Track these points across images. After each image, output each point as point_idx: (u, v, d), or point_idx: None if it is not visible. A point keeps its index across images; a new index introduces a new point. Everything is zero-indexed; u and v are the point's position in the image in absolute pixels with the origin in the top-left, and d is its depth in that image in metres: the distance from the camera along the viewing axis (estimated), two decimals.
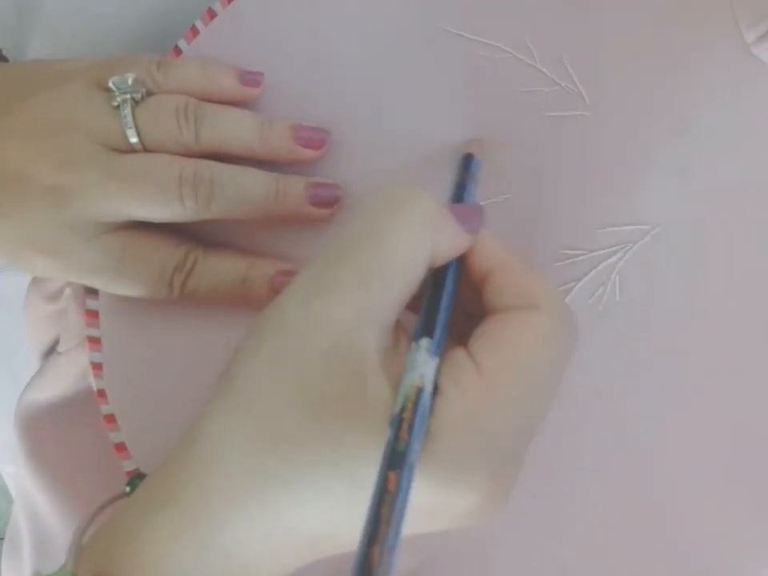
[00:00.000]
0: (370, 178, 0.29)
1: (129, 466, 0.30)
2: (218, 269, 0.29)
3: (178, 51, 0.30)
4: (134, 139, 0.27)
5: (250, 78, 0.29)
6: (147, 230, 0.28)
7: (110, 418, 0.30)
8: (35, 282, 0.38)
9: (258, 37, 0.29)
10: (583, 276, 0.28)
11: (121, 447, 0.30)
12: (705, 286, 0.27)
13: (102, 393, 0.30)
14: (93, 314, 0.31)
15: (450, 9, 0.28)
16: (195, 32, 0.30)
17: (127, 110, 0.27)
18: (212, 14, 0.30)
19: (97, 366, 0.31)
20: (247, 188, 0.28)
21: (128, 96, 0.27)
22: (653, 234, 0.27)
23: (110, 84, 0.27)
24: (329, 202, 0.29)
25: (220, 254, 0.29)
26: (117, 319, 0.30)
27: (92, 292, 0.31)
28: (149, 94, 0.28)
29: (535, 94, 0.28)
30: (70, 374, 0.36)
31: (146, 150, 0.27)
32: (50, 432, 0.37)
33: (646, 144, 0.27)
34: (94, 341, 0.31)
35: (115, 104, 0.27)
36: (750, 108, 0.27)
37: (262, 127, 0.28)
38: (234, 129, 0.28)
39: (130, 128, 0.27)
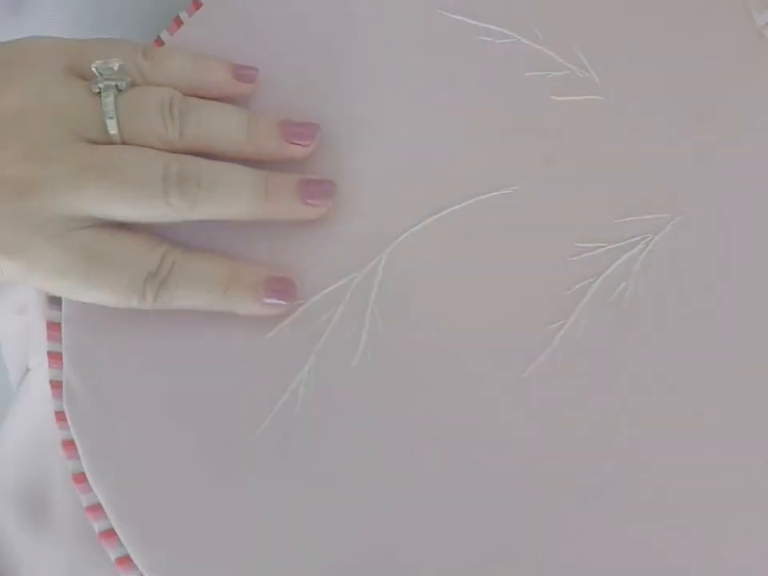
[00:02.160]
0: (367, 172, 0.27)
1: (87, 500, 0.25)
2: (198, 275, 0.26)
3: (159, 42, 0.28)
4: (113, 130, 0.25)
5: (243, 73, 0.27)
6: (120, 229, 0.25)
7: (69, 444, 0.26)
8: (2, 290, 0.34)
9: (246, 27, 0.28)
10: (603, 271, 0.25)
11: (79, 478, 0.26)
12: (731, 275, 0.25)
13: (60, 415, 0.26)
14: (54, 327, 0.27)
15: None
16: (179, 23, 0.28)
17: (110, 98, 0.24)
18: (198, 5, 0.28)
19: (56, 385, 0.27)
20: (235, 185, 0.26)
21: (112, 83, 0.25)
22: (674, 224, 0.25)
23: (93, 68, 0.25)
24: (322, 198, 0.26)
25: (201, 257, 0.26)
26: (81, 332, 0.27)
27: (55, 301, 0.27)
28: (132, 84, 0.26)
29: (542, 78, 0.26)
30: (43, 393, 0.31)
31: (124, 143, 0.25)
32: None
33: (662, 129, 0.26)
34: (55, 356, 0.27)
35: (96, 90, 0.25)
36: (765, 90, 0.25)
37: (249, 123, 0.26)
38: (220, 125, 0.26)
39: (110, 118, 0.24)
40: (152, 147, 0.25)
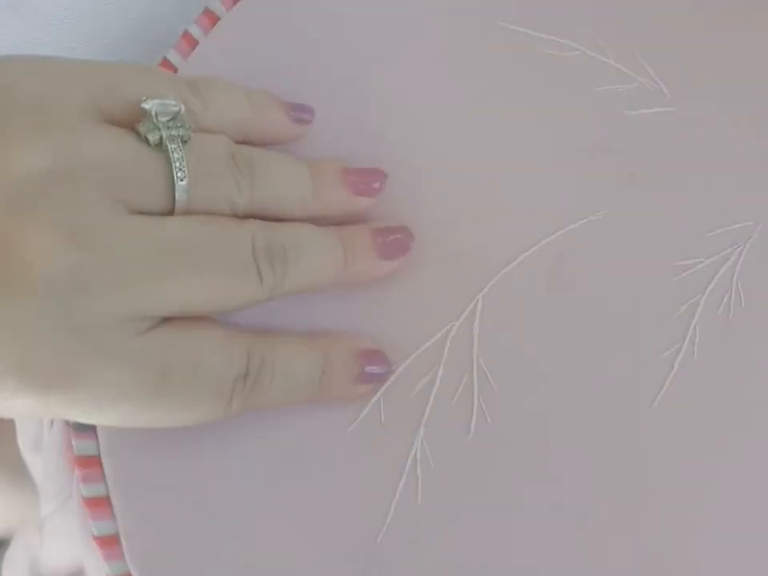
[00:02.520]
0: (444, 213, 0.24)
1: None
2: (293, 367, 0.21)
3: (167, 65, 0.23)
4: (182, 197, 0.19)
5: (300, 115, 0.23)
6: (192, 325, 0.20)
7: None
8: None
9: (272, 45, 0.23)
10: (706, 286, 0.25)
11: None
12: None
13: None
14: (87, 462, 0.21)
15: (510, 5, 0.24)
16: (191, 41, 0.23)
17: (179, 154, 0.19)
18: (210, 17, 0.23)
19: (108, 541, 0.20)
20: (319, 254, 0.21)
21: (178, 132, 0.19)
22: (760, 229, 0.25)
23: (149, 109, 0.18)
24: (402, 249, 0.23)
25: (289, 344, 0.21)
26: (131, 462, 0.21)
27: (82, 428, 0.21)
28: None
29: (614, 92, 0.25)
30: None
31: (188, 213, 0.19)
32: None
33: (736, 135, 0.25)
34: (95, 503, 0.21)
35: (155, 141, 0.19)
36: None
37: (312, 176, 0.22)
38: (286, 182, 0.22)
39: (181, 179, 0.19)
40: (222, 215, 0.20)
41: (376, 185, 0.23)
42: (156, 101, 0.19)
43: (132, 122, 0.19)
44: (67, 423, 0.21)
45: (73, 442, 0.21)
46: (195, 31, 0.23)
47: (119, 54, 0.27)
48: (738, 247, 0.25)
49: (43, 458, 0.23)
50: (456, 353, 0.23)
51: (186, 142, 0.19)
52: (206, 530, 0.21)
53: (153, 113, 0.19)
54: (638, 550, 0.23)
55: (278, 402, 0.21)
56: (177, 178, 0.19)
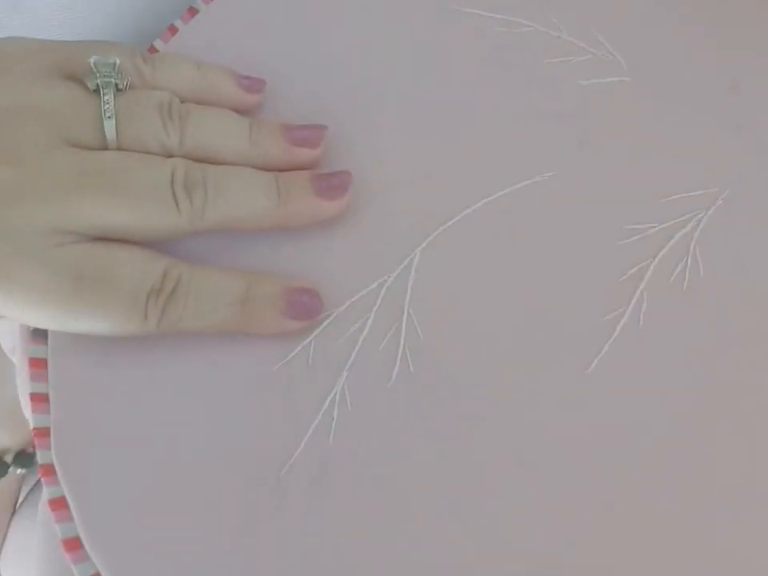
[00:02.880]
0: (392, 170, 0.25)
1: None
2: (209, 289, 0.22)
3: (153, 51, 0.26)
4: (110, 133, 0.22)
5: (251, 84, 0.25)
6: (115, 244, 0.22)
7: (58, 503, 0.21)
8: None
9: (244, 33, 0.26)
10: (658, 252, 0.23)
11: (72, 545, 0.21)
12: None
13: (47, 469, 0.22)
14: (38, 364, 0.23)
15: None
16: (174, 31, 0.26)
17: (109, 96, 0.22)
18: (193, 12, 0.26)
19: (41, 433, 0.22)
20: (246, 187, 0.23)
21: (111, 80, 0.22)
22: (725, 197, 0.24)
23: (91, 63, 0.22)
24: (339, 190, 0.24)
25: (209, 269, 0.23)
26: (72, 367, 0.23)
27: (39, 335, 0.23)
28: (131, 87, 0.23)
29: (566, 64, 0.25)
30: None
31: (119, 149, 0.22)
32: None
33: (696, 103, 0.25)
34: (39, 399, 0.23)
35: (92, 87, 0.22)
36: None
37: (251, 129, 0.24)
38: (221, 132, 0.24)
39: (109, 118, 0.22)
40: (150, 153, 0.22)
41: (315, 137, 0.24)
42: (97, 58, 0.22)
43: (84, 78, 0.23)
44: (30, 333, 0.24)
45: (28, 346, 0.23)
46: (178, 24, 0.27)
47: None
48: (698, 214, 0.24)
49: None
50: (389, 303, 0.24)
51: (120, 89, 0.22)
52: (125, 434, 0.22)
53: (92, 64, 0.22)
54: (554, 507, 0.21)
55: (196, 325, 0.22)
56: (104, 115, 0.22)
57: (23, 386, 0.24)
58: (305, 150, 0.24)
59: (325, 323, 0.24)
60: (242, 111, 0.25)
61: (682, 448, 0.21)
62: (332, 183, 0.24)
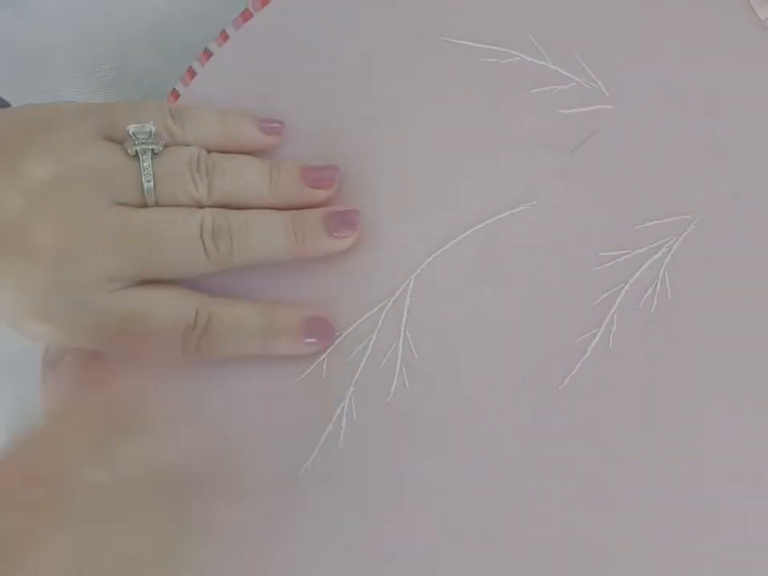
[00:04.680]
0: (386, 200, 0.28)
1: None
2: (236, 324, 0.26)
3: (176, 95, 0.29)
4: (150, 195, 0.26)
5: (270, 127, 0.28)
6: (154, 287, 0.26)
7: None
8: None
9: (256, 75, 0.29)
10: (629, 277, 0.25)
11: None
12: (759, 270, 0.25)
13: None
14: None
15: (450, 19, 0.27)
16: (192, 74, 0.29)
17: (147, 162, 0.25)
18: (208, 55, 0.29)
19: None
20: (265, 230, 0.26)
21: (148, 147, 0.25)
22: (697, 223, 0.25)
23: (130, 131, 0.25)
24: (349, 228, 0.27)
25: (236, 306, 0.27)
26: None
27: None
28: (165, 146, 0.26)
29: (548, 93, 0.26)
30: None
31: (157, 205, 0.26)
32: None
33: (673, 129, 0.26)
34: None
35: (132, 153, 0.25)
36: None
37: (271, 173, 0.27)
38: (243, 178, 0.27)
39: (148, 180, 0.25)
40: (183, 205, 0.26)
41: (329, 179, 0.27)
42: (135, 126, 0.25)
43: (122, 142, 0.26)
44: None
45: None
46: (196, 66, 0.29)
47: (122, 53, 0.33)
48: (670, 240, 0.25)
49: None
50: (389, 325, 0.27)
51: (156, 153, 0.26)
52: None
53: (131, 133, 0.26)
54: (535, 515, 0.25)
55: (227, 351, 0.26)
56: (144, 179, 0.25)
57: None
58: (320, 191, 0.27)
59: (335, 343, 0.27)
60: (263, 151, 0.28)
61: (646, 459, 0.24)
62: (342, 222, 0.27)
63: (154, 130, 0.26)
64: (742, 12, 0.26)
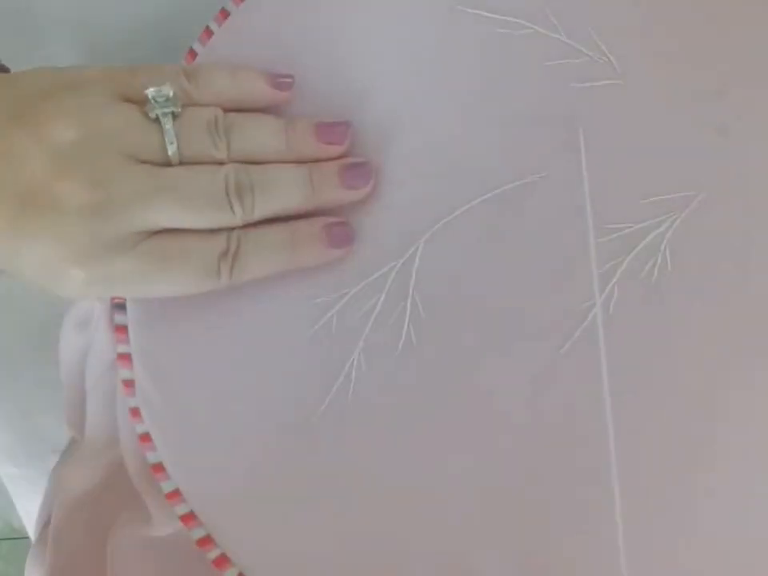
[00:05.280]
0: (401, 165, 0.29)
1: (168, 486, 0.28)
2: (263, 242, 0.28)
3: (193, 54, 0.29)
4: (172, 152, 0.27)
5: (280, 82, 0.29)
6: (181, 230, 0.27)
7: (146, 437, 0.29)
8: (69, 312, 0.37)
9: (273, 34, 0.29)
10: (632, 249, 0.26)
11: (158, 468, 0.28)
12: (757, 250, 0.26)
13: (135, 411, 0.29)
14: (122, 330, 0.30)
15: None
16: (209, 33, 0.29)
17: (169, 125, 0.26)
18: (225, 14, 0.29)
19: (128, 384, 0.29)
20: (285, 184, 0.28)
21: (169, 109, 0.26)
22: (699, 200, 0.26)
23: (149, 96, 0.26)
24: (363, 180, 0.28)
25: (260, 227, 0.28)
26: (148, 332, 0.29)
27: (120, 308, 0.30)
28: (182, 106, 0.27)
29: (562, 66, 0.27)
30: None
31: (180, 164, 0.27)
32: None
33: (682, 107, 0.26)
34: (124, 357, 0.29)
35: (153, 116, 0.26)
36: None
37: (286, 131, 0.28)
38: (260, 137, 0.28)
39: (171, 142, 0.26)
40: (206, 164, 0.27)
41: (341, 135, 0.28)
42: (153, 89, 0.26)
43: (142, 104, 0.27)
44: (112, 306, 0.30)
45: (114, 317, 0.30)
46: (213, 26, 0.29)
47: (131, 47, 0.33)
48: (672, 215, 0.26)
49: (92, 330, 0.33)
50: (397, 285, 0.28)
51: (176, 116, 0.27)
52: (193, 379, 0.29)
53: (150, 97, 0.26)
54: (533, 476, 0.27)
55: (259, 269, 0.28)
56: (167, 141, 0.26)
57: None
58: (334, 146, 0.28)
59: (344, 300, 0.29)
60: (276, 107, 0.29)
61: (639, 427, 0.26)
62: (357, 174, 0.28)
63: (172, 92, 0.27)
64: None
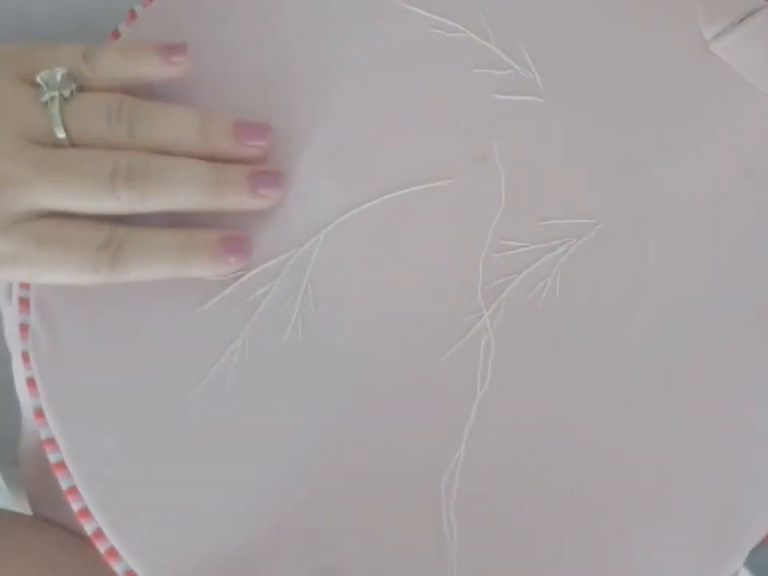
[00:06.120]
0: (310, 156, 0.28)
1: (45, 433, 0.27)
2: (151, 244, 0.27)
3: (116, 35, 0.29)
4: (61, 135, 0.26)
5: (172, 53, 0.27)
6: (69, 216, 0.26)
7: (32, 382, 0.28)
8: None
9: (197, 17, 0.28)
10: (524, 269, 0.26)
11: (39, 413, 0.28)
12: (644, 287, 0.26)
13: (25, 355, 0.28)
14: (24, 302, 0.29)
15: None
16: (133, 15, 0.29)
17: (55, 108, 0.26)
18: None
19: (23, 328, 0.29)
20: (186, 178, 0.26)
21: (56, 93, 0.26)
22: (597, 230, 0.26)
23: (38, 79, 0.26)
24: (271, 189, 0.27)
25: (151, 227, 0.27)
26: (48, 291, 0.28)
27: (24, 304, 0.29)
28: (80, 89, 0.27)
29: (486, 76, 0.27)
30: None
31: (73, 146, 0.26)
32: None
33: (594, 137, 0.26)
34: (24, 302, 0.29)
35: (43, 100, 0.26)
36: (703, 105, 0.26)
37: (202, 124, 0.27)
38: (172, 127, 0.27)
39: (57, 126, 0.26)
40: (99, 149, 0.26)
41: (261, 137, 0.27)
42: (44, 73, 0.26)
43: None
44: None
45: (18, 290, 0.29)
46: (138, 9, 0.29)
47: None
48: (568, 241, 0.26)
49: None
50: (293, 274, 0.28)
51: (66, 98, 0.26)
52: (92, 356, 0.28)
53: (41, 80, 0.26)
54: (406, 471, 0.26)
55: (143, 272, 0.27)
56: (53, 125, 0.26)
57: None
58: (249, 148, 0.27)
59: (237, 282, 0.28)
60: (171, 82, 0.28)
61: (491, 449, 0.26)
62: (266, 182, 0.27)
63: (61, 75, 0.26)
64: (688, 31, 0.26)
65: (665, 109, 0.26)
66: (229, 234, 0.27)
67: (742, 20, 0.25)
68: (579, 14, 0.26)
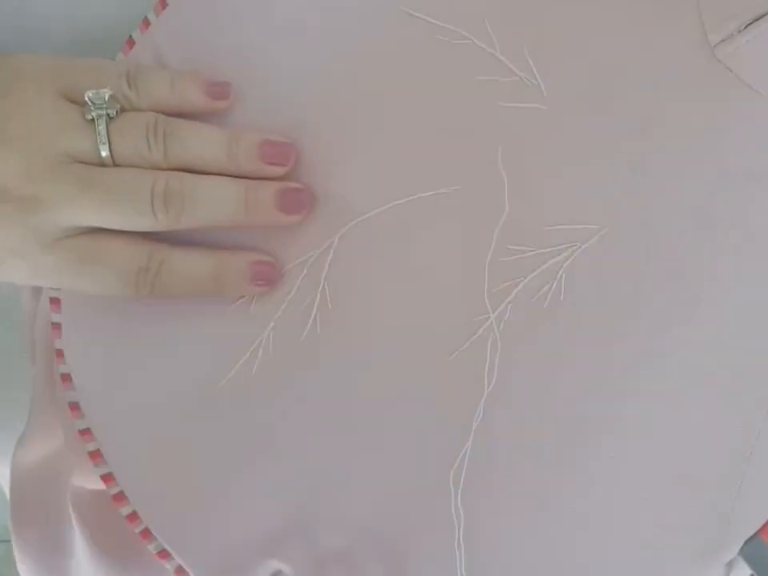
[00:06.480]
0: (325, 164, 0.29)
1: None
2: (187, 267, 0.29)
3: (131, 43, 0.30)
4: (105, 154, 0.27)
5: (217, 91, 0.29)
6: (109, 232, 0.28)
7: (85, 431, 0.31)
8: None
9: (209, 25, 0.29)
10: (529, 273, 0.27)
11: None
12: (647, 292, 0.27)
13: (74, 406, 0.31)
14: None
15: None
16: (147, 23, 0.30)
17: (102, 126, 0.27)
18: (164, 4, 0.29)
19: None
20: (217, 199, 0.28)
21: (103, 112, 0.27)
22: (602, 235, 0.27)
23: (87, 98, 0.27)
24: (299, 207, 0.29)
25: (187, 251, 0.29)
26: (78, 330, 0.31)
27: (56, 304, 0.31)
28: (121, 109, 0.28)
29: (491, 84, 0.27)
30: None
31: (114, 165, 0.28)
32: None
33: (599, 142, 0.26)
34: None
35: (89, 117, 0.27)
36: (709, 112, 0.26)
37: (229, 144, 0.28)
38: (201, 146, 0.28)
39: (103, 143, 0.27)
40: (140, 168, 0.28)
41: (286, 158, 0.29)
42: (92, 92, 0.27)
43: (82, 104, 0.28)
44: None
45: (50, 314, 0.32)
46: (151, 16, 0.30)
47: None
48: (573, 246, 0.27)
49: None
50: (312, 275, 0.30)
51: (112, 118, 0.27)
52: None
53: (88, 99, 0.27)
54: (411, 466, 0.28)
55: (182, 293, 0.29)
56: (99, 143, 0.27)
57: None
58: (276, 167, 0.29)
59: None
60: (213, 115, 0.29)
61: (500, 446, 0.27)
62: (295, 202, 0.29)
63: (108, 96, 0.27)
64: (694, 35, 0.25)
65: (669, 115, 0.26)
66: (258, 258, 0.29)
67: (748, 25, 0.24)
68: (583, 21, 0.26)
